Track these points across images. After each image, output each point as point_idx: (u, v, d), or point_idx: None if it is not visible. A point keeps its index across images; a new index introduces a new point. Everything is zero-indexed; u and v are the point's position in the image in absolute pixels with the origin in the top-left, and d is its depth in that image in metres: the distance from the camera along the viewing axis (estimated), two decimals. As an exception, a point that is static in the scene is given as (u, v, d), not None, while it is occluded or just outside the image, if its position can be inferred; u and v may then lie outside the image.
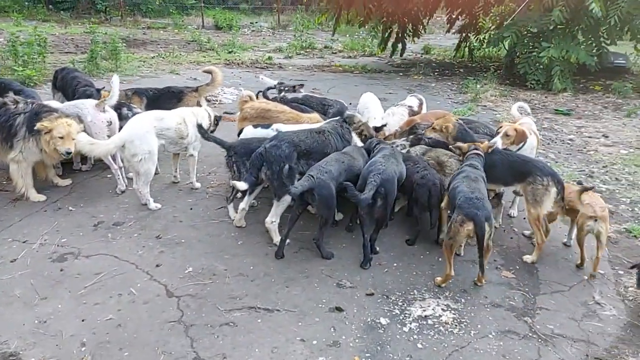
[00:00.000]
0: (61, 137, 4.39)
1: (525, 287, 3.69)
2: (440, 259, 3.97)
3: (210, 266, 3.83)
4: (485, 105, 9.49)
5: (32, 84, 8.60)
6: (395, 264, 3.92)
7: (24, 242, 4.02)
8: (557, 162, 6.42)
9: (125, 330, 3.07)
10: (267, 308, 3.35)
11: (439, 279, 3.69)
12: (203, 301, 3.40)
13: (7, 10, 18.88)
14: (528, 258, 4.05)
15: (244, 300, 3.43)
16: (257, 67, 13.35)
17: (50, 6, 20.79)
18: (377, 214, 3.90)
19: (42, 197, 4.69)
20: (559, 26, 10.57)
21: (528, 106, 6.34)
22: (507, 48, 12.74)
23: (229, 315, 3.27)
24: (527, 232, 4.44)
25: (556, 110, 9.34)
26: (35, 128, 4.38)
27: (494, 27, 14.27)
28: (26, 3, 20.42)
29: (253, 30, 22.01)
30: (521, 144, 4.45)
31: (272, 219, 4.17)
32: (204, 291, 3.51)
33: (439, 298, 3.51)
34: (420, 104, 6.28)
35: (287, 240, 4.07)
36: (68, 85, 6.57)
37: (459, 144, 4.33)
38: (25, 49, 9.64)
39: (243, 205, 4.41)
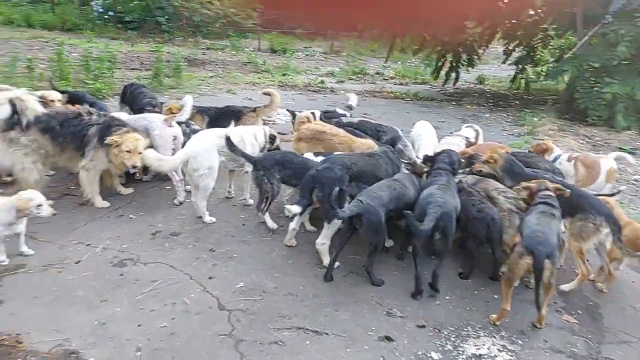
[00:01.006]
0: (128, 152, 4.64)
1: (589, 334, 3.48)
2: (496, 296, 3.82)
3: (261, 283, 3.86)
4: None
5: (101, 97, 9.14)
6: (447, 297, 3.81)
7: (87, 245, 4.21)
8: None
9: (177, 339, 3.13)
10: (316, 330, 3.33)
11: (494, 316, 3.54)
12: (253, 317, 3.42)
13: (82, 28, 20.28)
14: (566, 287, 3.92)
15: (293, 320, 3.42)
16: (309, 90, 13.61)
17: (119, 25, 22.17)
18: (436, 248, 3.77)
19: (106, 204, 4.93)
20: (623, 62, 10.18)
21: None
22: (566, 82, 12.37)
23: (278, 334, 3.27)
24: (591, 276, 4.19)
25: (620, 148, 8.90)
26: (106, 142, 4.65)
27: (553, 60, 13.94)
28: (98, 22, 21.87)
29: (306, 55, 22.52)
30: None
31: (323, 241, 4.17)
32: (254, 307, 3.54)
33: (495, 337, 3.37)
34: (477, 135, 6.18)
35: (337, 264, 4.06)
36: (134, 100, 6.96)
37: (528, 184, 4.06)
38: (96, 64, 10.31)
39: (293, 225, 4.45)
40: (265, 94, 6.75)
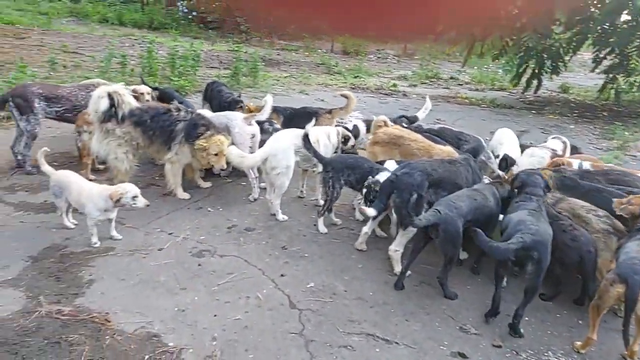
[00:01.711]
0: (215, 155, 4.88)
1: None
2: (581, 322, 3.58)
3: (331, 285, 3.87)
4: (634, 156, 8.46)
5: (184, 93, 9.63)
6: (527, 318, 3.59)
7: (169, 234, 4.45)
8: None
9: (251, 333, 3.21)
10: (386, 339, 3.28)
11: (579, 343, 3.30)
12: (323, 319, 3.44)
13: (167, 27, 21.53)
14: None
15: (362, 326, 3.40)
16: (381, 93, 13.50)
17: (201, 25, 23.29)
18: (526, 283, 3.40)
19: (187, 196, 5.18)
20: None
21: None
22: (665, 94, 11.31)
23: (348, 338, 3.26)
24: None
25: None
26: (196, 148, 4.92)
27: (649, 69, 12.81)
28: (182, 21, 23.11)
29: (379, 57, 22.40)
30: None
31: (396, 248, 4.11)
32: (324, 309, 3.55)
33: (579, 366, 3.15)
34: (565, 148, 5.80)
35: (408, 272, 3.98)
36: (215, 97, 7.27)
37: (630, 207, 3.69)
38: (181, 62, 10.87)
39: (366, 229, 4.43)
40: (342, 95, 6.76)
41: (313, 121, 5.30)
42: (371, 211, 4.04)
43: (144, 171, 5.67)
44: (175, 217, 4.77)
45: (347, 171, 4.66)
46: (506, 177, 5.10)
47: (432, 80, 16.95)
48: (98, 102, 4.81)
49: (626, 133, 9.58)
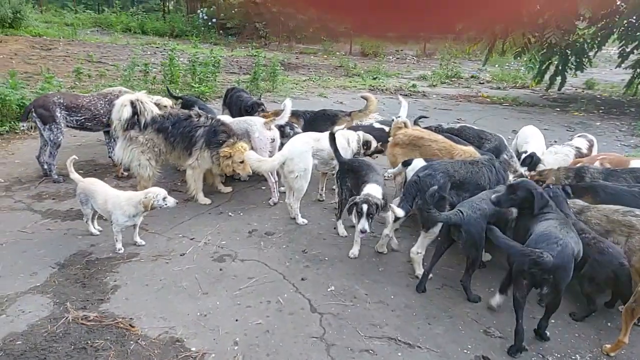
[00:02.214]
0: (241, 162, 4.99)
1: None
2: (609, 324, 3.47)
3: (352, 288, 3.86)
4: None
5: (205, 99, 9.77)
6: (553, 320, 3.49)
7: (191, 239, 4.50)
8: None
9: (272, 337, 3.22)
10: (408, 342, 3.25)
11: (608, 346, 3.21)
12: (344, 322, 3.42)
13: (187, 34, 21.92)
14: None
15: (384, 330, 3.37)
16: (401, 94, 13.40)
17: (221, 31, 23.61)
18: (546, 300, 3.29)
19: (208, 201, 5.25)
20: None
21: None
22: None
23: (369, 342, 3.24)
24: None
25: None
26: (221, 156, 5.03)
27: (679, 63, 12.38)
28: (202, 28, 23.49)
29: (398, 58, 22.29)
30: None
31: (418, 250, 4.07)
32: (345, 312, 3.54)
33: (608, 370, 3.05)
34: (590, 146, 5.65)
35: (430, 275, 3.94)
36: (234, 103, 7.35)
37: None
38: (202, 68, 11.04)
39: (387, 231, 4.39)
40: (363, 97, 6.74)
41: (342, 125, 5.32)
42: (399, 211, 3.98)
43: (166, 177, 5.77)
44: (196, 222, 4.84)
45: (350, 174, 4.61)
46: (529, 175, 5.01)
47: (453, 79, 16.79)
48: (121, 110, 4.92)
49: (655, 129, 9.28)
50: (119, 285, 3.71)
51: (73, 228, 4.54)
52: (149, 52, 16.50)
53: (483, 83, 16.56)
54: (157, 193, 4.13)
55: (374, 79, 15.70)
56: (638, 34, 12.67)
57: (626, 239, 3.50)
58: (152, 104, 5.13)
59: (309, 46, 22.79)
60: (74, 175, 4.37)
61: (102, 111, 5.76)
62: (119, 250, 4.15)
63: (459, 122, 8.34)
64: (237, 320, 3.37)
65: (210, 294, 3.67)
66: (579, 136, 5.95)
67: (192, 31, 22.45)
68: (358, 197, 4.14)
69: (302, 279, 3.94)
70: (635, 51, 13.58)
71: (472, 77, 17.41)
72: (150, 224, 4.63)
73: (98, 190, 4.26)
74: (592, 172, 4.36)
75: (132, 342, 3.08)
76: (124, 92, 5.76)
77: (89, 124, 5.81)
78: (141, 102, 4.97)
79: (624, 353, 3.20)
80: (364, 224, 4.03)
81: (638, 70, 13.46)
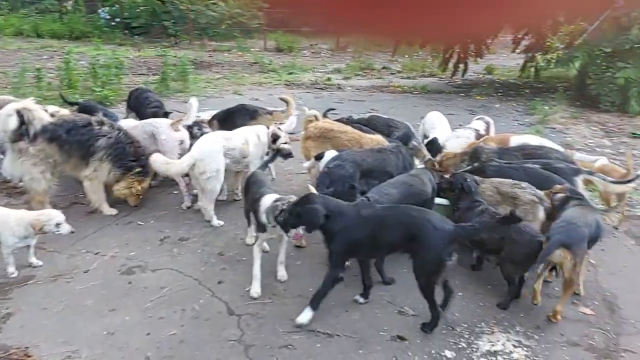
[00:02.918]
0: (138, 195, 4.98)
1: (606, 326, 3.39)
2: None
3: (270, 285, 3.82)
4: (554, 128, 9.00)
5: (108, 104, 9.18)
6: (460, 294, 3.72)
7: (96, 253, 4.21)
8: (637, 189, 5.92)
9: (187, 347, 3.11)
10: (327, 332, 3.29)
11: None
12: (263, 321, 3.39)
13: (89, 35, 20.47)
14: None
15: (303, 323, 3.37)
16: (316, 88, 13.54)
17: (126, 31, 22.34)
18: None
19: (114, 211, 4.94)
20: (636, 45, 9.92)
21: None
22: (577, 68, 12.11)
23: (289, 337, 3.23)
24: None
25: (633, 133, 8.70)
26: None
27: (563, 46, 13.66)
28: (105, 29, 22.06)
29: (313, 52, 22.45)
30: None
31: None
32: (264, 311, 3.51)
33: (510, 333, 3.29)
34: (487, 127, 6.05)
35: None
36: (140, 105, 6.97)
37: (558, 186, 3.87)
38: (104, 71, 10.36)
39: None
40: (282, 99, 6.66)
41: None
42: None
43: (67, 189, 5.34)
44: (102, 235, 4.53)
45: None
46: (436, 162, 5.27)
47: (366, 71, 17.22)
48: (6, 121, 4.47)
49: (546, 107, 10.17)
50: (12, 312, 3.38)
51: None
52: (45, 57, 15.21)
53: (394, 73, 17.15)
54: (50, 218, 3.78)
55: (290, 74, 15.69)
56: (527, 21, 13.78)
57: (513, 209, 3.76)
58: (42, 112, 4.70)
59: (222, 43, 22.23)
60: None
61: None
62: (11, 274, 3.77)
63: (370, 113, 8.58)
64: (148, 334, 3.21)
65: (119, 309, 3.46)
66: (477, 119, 6.35)
67: (94, 32, 20.98)
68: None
69: (219, 282, 3.84)
70: (526, 37, 14.80)
71: (384, 68, 17.96)
72: (48, 242, 4.25)
73: None
74: (486, 152, 4.67)
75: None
76: (10, 101, 5.23)
77: None
78: (28, 110, 4.54)
79: (524, 317, 3.46)
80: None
81: (529, 54, 14.69)
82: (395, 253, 3.44)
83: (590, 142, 8.11)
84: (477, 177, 4.17)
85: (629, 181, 4.27)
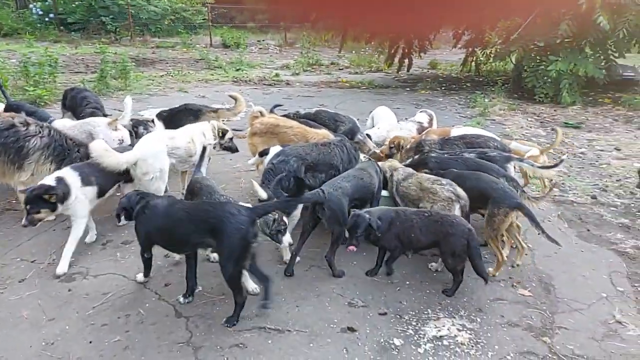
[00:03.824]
0: None
1: (543, 306, 3.58)
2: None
3: (220, 285, 3.75)
4: (494, 119, 9.44)
5: (42, 104, 8.70)
6: (407, 282, 3.83)
7: (32, 261, 3.99)
8: (569, 175, 6.32)
9: (133, 353, 3.00)
10: (278, 328, 3.28)
11: (491, 269, 3.90)
12: (212, 321, 3.33)
13: (20, 32, 19.26)
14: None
15: (253, 321, 3.35)
16: (264, 84, 13.44)
17: (62, 27, 21.20)
18: None
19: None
20: (566, 40, 10.56)
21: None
22: (514, 62, 12.74)
23: (239, 336, 3.20)
24: None
25: (565, 123, 9.27)
26: None
27: (500, 41, 14.28)
28: (38, 25, 20.83)
29: (260, 48, 22.25)
30: None
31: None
32: (213, 311, 3.45)
33: (454, 317, 3.42)
34: (430, 120, 6.25)
35: (298, 258, 4.02)
36: (77, 105, 6.63)
37: None
38: (36, 69, 9.78)
39: None
40: (231, 96, 6.51)
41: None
42: (263, 194, 3.92)
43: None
44: (38, 241, 4.29)
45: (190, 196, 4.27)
46: (381, 154, 5.38)
47: (314, 67, 17.30)
48: None
49: (486, 100, 10.63)
50: (-63, 329, 3.14)
51: None
52: (-31, 55, 14.15)
53: (342, 69, 17.34)
54: None
55: (237, 70, 15.48)
56: (466, 16, 14.30)
57: (431, 205, 3.94)
58: None
59: (165, 40, 21.58)
60: None
61: None
62: None
63: (318, 108, 8.62)
64: (90, 342, 3.07)
65: (58, 318, 3.29)
66: (420, 112, 6.54)
67: (26, 28, 19.77)
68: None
69: (166, 285, 3.74)
70: (466, 32, 15.38)
71: (332, 63, 18.11)
72: (-23, 252, 3.99)
73: None
74: (429, 144, 4.83)
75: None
76: None
77: None
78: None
79: (466, 301, 3.61)
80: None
81: (470, 49, 15.29)
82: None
83: (526, 132, 8.56)
84: (406, 171, 4.31)
85: (554, 166, 4.53)
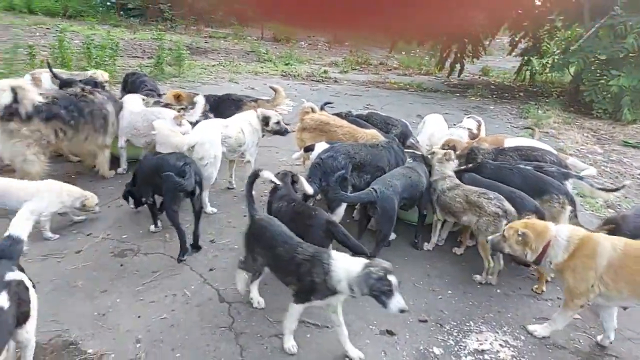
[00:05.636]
0: None
1: (592, 330, 3.45)
2: (499, 291, 3.81)
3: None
4: (547, 132, 9.10)
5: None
6: (449, 292, 3.78)
7: (88, 234, 4.19)
8: (626, 197, 6.03)
9: (178, 331, 3.11)
10: (317, 324, 3.31)
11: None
12: (253, 310, 3.40)
13: (83, 14, 20.16)
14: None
15: (293, 314, 3.39)
16: (312, 80, 13.50)
17: (122, 12, 22.02)
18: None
19: (111, 173, 5.37)
20: (631, 54, 10.05)
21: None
22: (572, 74, 12.24)
23: (279, 326, 3.24)
24: None
25: (625, 142, 8.83)
26: None
27: (559, 51, 13.77)
28: (100, 9, 21.73)
29: (310, 44, 22.36)
30: None
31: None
32: (256, 299, 3.51)
33: (497, 332, 3.34)
34: (479, 126, 6.09)
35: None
36: (136, 89, 6.88)
37: None
38: (98, 51, 10.22)
39: None
40: (271, 88, 6.61)
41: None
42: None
43: (57, 169, 5.27)
44: (94, 216, 4.49)
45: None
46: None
47: (363, 66, 17.23)
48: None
49: (539, 112, 10.27)
50: (1, 290, 3.34)
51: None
52: (37, 34, 14.95)
53: (391, 70, 17.19)
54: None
55: (286, 64, 15.63)
56: (524, 24, 13.90)
57: (477, 219, 3.87)
58: (35, 93, 4.61)
59: (218, 30, 22.03)
60: None
61: None
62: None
63: (367, 109, 8.59)
64: (139, 317, 3.21)
65: (110, 291, 3.45)
66: (467, 117, 6.35)
67: (89, 11, 20.67)
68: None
69: (210, 270, 3.84)
70: (523, 40, 14.92)
71: (380, 63, 17.99)
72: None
73: None
74: (482, 152, 4.71)
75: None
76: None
77: None
78: (23, 90, 4.47)
79: (510, 315, 3.52)
80: None
81: (526, 57, 14.81)
82: None
83: (582, 148, 8.21)
84: (454, 182, 4.24)
85: (615, 189, 4.35)
